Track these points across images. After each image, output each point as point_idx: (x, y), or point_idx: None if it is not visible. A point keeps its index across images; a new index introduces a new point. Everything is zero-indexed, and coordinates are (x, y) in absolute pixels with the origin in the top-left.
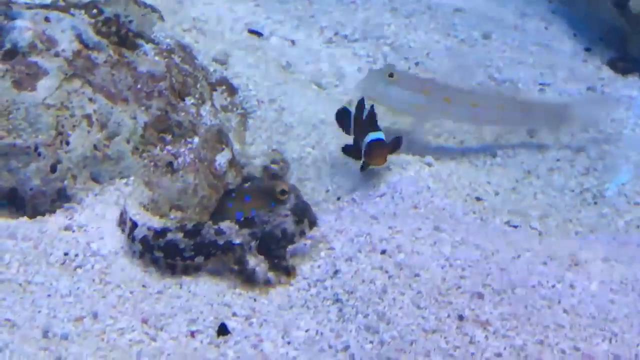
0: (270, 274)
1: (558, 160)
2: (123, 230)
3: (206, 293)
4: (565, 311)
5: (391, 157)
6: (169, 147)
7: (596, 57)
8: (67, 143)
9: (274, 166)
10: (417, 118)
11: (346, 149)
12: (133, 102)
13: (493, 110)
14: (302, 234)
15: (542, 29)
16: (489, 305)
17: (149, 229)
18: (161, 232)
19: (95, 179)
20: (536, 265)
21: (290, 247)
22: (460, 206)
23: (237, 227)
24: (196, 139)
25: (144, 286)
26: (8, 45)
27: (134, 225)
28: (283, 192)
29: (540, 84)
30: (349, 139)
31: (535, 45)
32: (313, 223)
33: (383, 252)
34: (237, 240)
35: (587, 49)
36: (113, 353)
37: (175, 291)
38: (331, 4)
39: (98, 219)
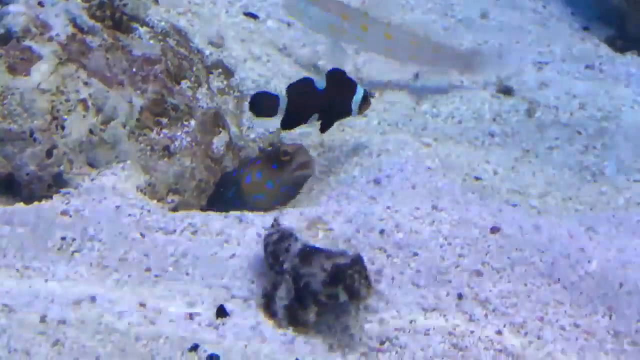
0: None
1: (557, 138)
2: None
3: (204, 276)
4: (564, 288)
5: (388, 137)
6: (165, 131)
7: (594, 35)
8: (63, 128)
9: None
10: (333, 39)
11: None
12: (128, 86)
13: (406, 45)
14: None
15: (540, 7)
16: (488, 283)
17: None
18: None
19: (92, 163)
20: (535, 242)
21: None
22: (459, 185)
23: None
24: (193, 122)
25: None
26: (2, 30)
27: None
28: (285, 153)
29: (539, 62)
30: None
31: (533, 24)
32: None
33: (381, 231)
34: None
35: (586, 28)
36: (111, 336)
37: (173, 274)
38: None
39: (95, 204)
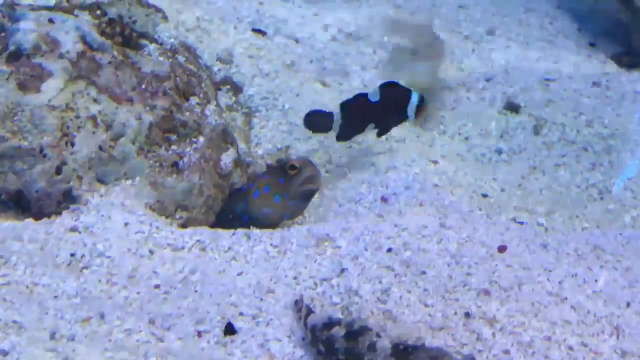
0: None
1: (564, 156)
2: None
3: (213, 293)
4: (572, 307)
5: (397, 155)
6: (174, 147)
7: (601, 52)
8: (73, 144)
9: None
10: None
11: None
12: (138, 103)
13: None
14: None
15: (547, 24)
16: (496, 302)
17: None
18: (328, 325)
19: (101, 180)
20: (543, 262)
21: None
22: (467, 203)
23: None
24: (201, 139)
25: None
26: (12, 47)
27: (309, 311)
28: (292, 167)
29: (546, 79)
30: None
31: (539, 40)
32: None
33: (389, 250)
34: None
35: (592, 44)
36: (120, 354)
37: (182, 291)
38: (335, 1)
39: (104, 220)
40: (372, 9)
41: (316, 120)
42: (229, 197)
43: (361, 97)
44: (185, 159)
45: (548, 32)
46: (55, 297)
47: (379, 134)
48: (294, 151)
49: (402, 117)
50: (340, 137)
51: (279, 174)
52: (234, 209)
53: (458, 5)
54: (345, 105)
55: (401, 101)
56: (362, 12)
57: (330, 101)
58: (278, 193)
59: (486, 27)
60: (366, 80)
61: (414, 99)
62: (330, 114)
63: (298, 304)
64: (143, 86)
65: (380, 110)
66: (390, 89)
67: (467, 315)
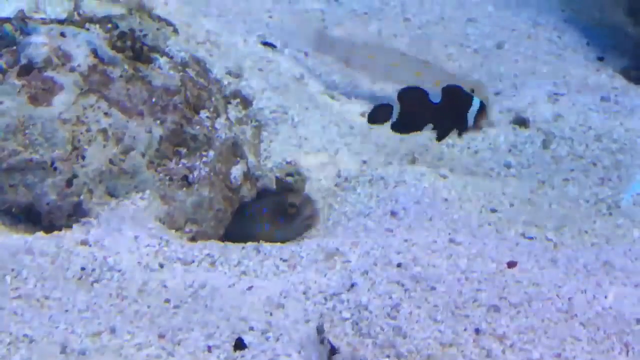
0: None
1: (572, 170)
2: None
3: (223, 307)
4: (582, 324)
5: (405, 168)
6: (184, 161)
7: (609, 66)
8: (83, 158)
9: (289, 179)
10: None
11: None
12: (148, 116)
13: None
14: None
15: (555, 38)
16: (506, 319)
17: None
18: None
19: (111, 193)
20: (552, 278)
21: None
22: (476, 218)
23: None
24: (211, 152)
25: (166, 300)
26: (24, 61)
27: (332, 349)
28: (292, 205)
29: (554, 94)
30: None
31: (548, 54)
32: None
33: (399, 265)
34: None
35: (600, 58)
36: None
37: (192, 306)
38: (344, 15)
39: (114, 234)
40: (381, 23)
41: (377, 111)
42: (234, 217)
43: (420, 92)
44: (195, 173)
45: (556, 46)
46: (66, 311)
47: (439, 138)
48: (304, 165)
49: (462, 122)
50: (396, 128)
51: (278, 213)
52: (237, 232)
53: (467, 19)
54: (404, 98)
55: (462, 106)
56: (371, 26)
57: (339, 114)
58: (279, 229)
59: (495, 41)
60: (376, 92)
61: (475, 105)
62: (391, 107)
63: (320, 333)
64: (153, 100)
65: (441, 113)
66: (453, 92)
67: (477, 331)
